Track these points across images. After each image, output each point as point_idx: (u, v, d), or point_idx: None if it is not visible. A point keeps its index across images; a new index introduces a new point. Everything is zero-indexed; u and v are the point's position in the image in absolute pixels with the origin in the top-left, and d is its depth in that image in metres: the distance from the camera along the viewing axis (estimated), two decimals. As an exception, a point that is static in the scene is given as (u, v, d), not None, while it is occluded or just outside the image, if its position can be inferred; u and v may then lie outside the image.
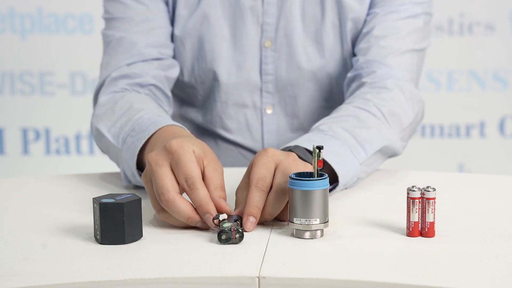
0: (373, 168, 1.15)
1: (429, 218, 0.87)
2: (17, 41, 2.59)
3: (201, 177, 0.91)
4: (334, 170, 1.03)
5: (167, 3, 1.33)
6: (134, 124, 1.10)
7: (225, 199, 0.92)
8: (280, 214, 0.93)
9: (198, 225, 0.90)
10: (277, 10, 1.32)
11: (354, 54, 1.33)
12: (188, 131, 1.09)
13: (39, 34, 2.59)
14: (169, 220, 0.92)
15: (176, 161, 0.90)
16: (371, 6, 1.31)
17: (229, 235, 0.85)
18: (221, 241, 0.85)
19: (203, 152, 0.93)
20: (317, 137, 1.08)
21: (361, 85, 1.24)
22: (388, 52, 1.26)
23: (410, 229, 0.88)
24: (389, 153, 1.18)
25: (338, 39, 1.33)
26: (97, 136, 1.20)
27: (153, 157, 0.92)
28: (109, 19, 1.32)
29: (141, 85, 1.26)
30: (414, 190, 0.87)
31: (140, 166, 1.08)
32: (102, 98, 1.23)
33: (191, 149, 0.92)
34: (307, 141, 1.05)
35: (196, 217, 0.89)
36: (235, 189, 0.96)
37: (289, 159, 0.94)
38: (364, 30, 1.30)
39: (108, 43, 1.30)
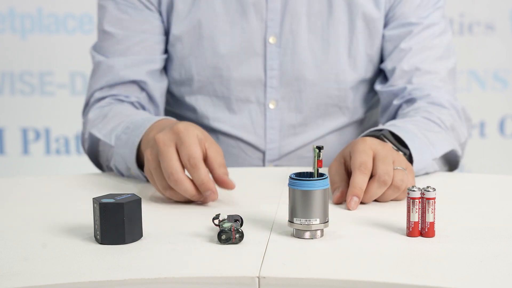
0: (438, 169, 1.21)
1: (429, 218, 0.87)
2: (17, 41, 2.59)
3: (202, 158, 1.00)
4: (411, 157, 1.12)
5: (160, 3, 1.33)
6: (127, 123, 1.17)
7: (227, 175, 1.03)
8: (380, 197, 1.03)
9: (200, 200, 1.01)
10: (281, 6, 1.32)
11: (368, 62, 1.36)
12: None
13: (39, 34, 2.59)
14: (174, 197, 1.02)
15: (181, 141, 1.00)
16: (394, 14, 1.34)
17: (229, 235, 0.85)
18: (221, 241, 0.86)
19: (204, 136, 1.03)
20: (399, 128, 1.15)
21: (417, 108, 1.30)
22: (433, 76, 1.33)
23: (410, 229, 0.88)
24: (453, 160, 1.26)
25: (346, 36, 1.33)
26: (91, 141, 1.25)
27: (161, 136, 1.01)
28: (98, 29, 1.36)
29: (124, 101, 1.31)
30: (414, 190, 0.87)
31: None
32: (90, 115, 1.29)
33: (195, 133, 1.01)
34: (391, 126, 1.14)
35: (198, 195, 1.00)
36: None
37: (386, 148, 1.04)
38: (402, 46, 1.33)
39: (92, 64, 1.37)
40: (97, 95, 1.32)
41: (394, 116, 1.35)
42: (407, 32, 1.33)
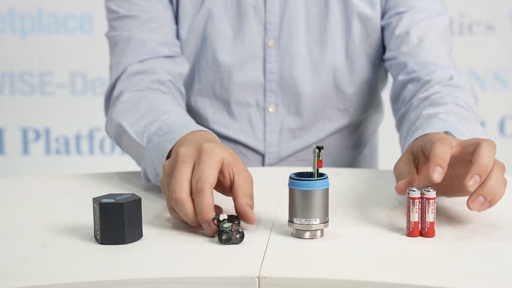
0: None
1: (429, 218, 0.87)
2: (17, 41, 2.59)
3: (213, 185, 0.88)
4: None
5: (171, 2, 1.33)
6: (161, 124, 1.08)
7: (252, 207, 0.90)
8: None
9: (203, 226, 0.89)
10: (280, 8, 1.32)
11: (365, 63, 1.33)
12: (218, 138, 1.07)
13: (39, 34, 2.59)
14: (178, 218, 0.91)
15: (199, 161, 0.89)
16: (389, 6, 1.32)
17: (230, 235, 0.85)
18: (221, 241, 0.85)
19: (234, 160, 0.92)
20: (459, 128, 1.06)
21: (426, 83, 1.24)
22: (435, 54, 1.28)
23: (410, 229, 0.88)
24: None
25: (344, 38, 1.33)
26: (118, 132, 1.17)
27: (182, 151, 0.91)
28: (113, 19, 1.31)
29: (161, 82, 1.24)
30: (414, 190, 0.87)
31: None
32: (125, 96, 1.20)
33: (220, 156, 0.90)
34: (443, 124, 1.05)
35: (198, 223, 0.89)
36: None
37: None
38: (397, 33, 1.30)
39: (115, 43, 1.29)
40: (130, 70, 1.25)
41: (400, 91, 1.29)
42: (399, 19, 1.31)
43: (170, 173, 0.92)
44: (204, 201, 0.86)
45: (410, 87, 1.26)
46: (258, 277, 0.76)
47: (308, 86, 1.34)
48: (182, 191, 0.88)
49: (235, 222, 0.89)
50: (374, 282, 0.75)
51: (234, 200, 0.90)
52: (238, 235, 0.86)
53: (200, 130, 1.05)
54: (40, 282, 0.75)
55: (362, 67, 1.35)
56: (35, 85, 2.62)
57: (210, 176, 0.88)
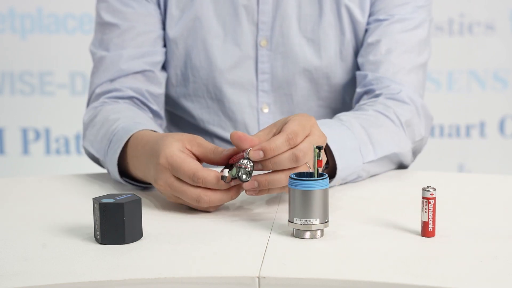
0: (378, 170, 1.17)
1: (424, 217, 0.87)
2: (17, 41, 2.59)
3: (199, 167, 0.94)
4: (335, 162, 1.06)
5: (158, 4, 1.33)
6: (111, 136, 1.14)
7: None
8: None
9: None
10: (272, 8, 1.32)
11: (357, 64, 1.34)
12: (160, 130, 1.14)
13: (39, 34, 2.59)
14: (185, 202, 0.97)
15: (174, 170, 0.95)
16: (372, 11, 1.32)
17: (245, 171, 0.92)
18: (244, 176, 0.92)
19: (182, 141, 0.98)
20: (334, 124, 1.11)
21: (377, 96, 1.26)
22: (397, 69, 1.28)
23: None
24: (398, 162, 1.21)
25: (337, 39, 1.33)
26: (90, 156, 1.23)
27: (160, 185, 0.98)
28: (98, 23, 1.35)
29: (120, 98, 1.29)
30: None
31: (121, 169, 1.12)
32: (85, 117, 1.28)
33: (176, 149, 0.96)
34: (322, 124, 1.07)
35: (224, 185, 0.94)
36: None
37: (323, 137, 0.97)
38: (369, 40, 1.31)
39: (93, 61, 1.35)
40: (98, 90, 1.30)
41: (357, 102, 1.30)
42: (376, 27, 1.31)
43: (169, 190, 0.97)
44: (207, 178, 0.93)
45: (365, 97, 1.29)
46: (258, 277, 0.76)
47: (300, 86, 1.34)
48: (198, 170, 0.94)
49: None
50: (374, 282, 0.75)
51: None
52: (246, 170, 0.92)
53: (140, 131, 1.10)
54: (40, 282, 0.75)
55: (354, 68, 1.35)
56: (35, 85, 2.61)
57: (191, 167, 0.94)
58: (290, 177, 0.87)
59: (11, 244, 0.87)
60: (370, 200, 1.06)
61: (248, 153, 0.92)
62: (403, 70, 1.29)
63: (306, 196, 0.86)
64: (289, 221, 0.88)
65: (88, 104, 1.33)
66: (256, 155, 0.92)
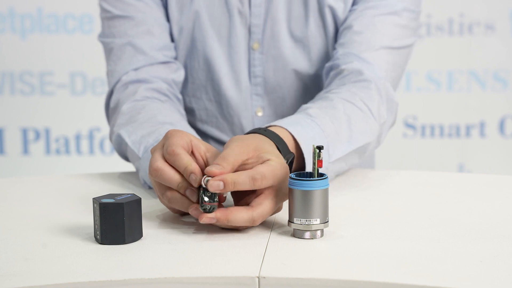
0: (346, 165, 1.14)
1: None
2: (17, 41, 2.59)
3: (182, 147, 0.91)
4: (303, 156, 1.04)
5: (162, 3, 1.33)
6: (159, 136, 1.09)
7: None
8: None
9: (187, 193, 0.90)
10: (264, 11, 1.31)
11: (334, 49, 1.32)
12: (192, 131, 1.10)
13: (39, 34, 2.59)
14: (176, 211, 0.95)
15: (166, 143, 0.92)
16: (353, 3, 1.31)
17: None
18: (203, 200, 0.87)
19: (204, 145, 0.94)
20: (304, 121, 1.07)
21: (340, 72, 1.23)
22: (364, 47, 1.25)
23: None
24: (364, 152, 1.16)
25: (324, 40, 1.32)
26: (119, 143, 1.19)
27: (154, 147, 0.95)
28: (106, 18, 1.31)
29: (158, 91, 1.26)
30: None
31: None
32: (124, 107, 1.22)
33: (186, 138, 0.93)
34: (294, 124, 1.05)
35: (185, 182, 0.89)
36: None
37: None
38: (344, 26, 1.29)
39: (110, 50, 1.30)
40: (125, 78, 1.26)
41: (326, 77, 1.27)
42: (350, 14, 1.29)
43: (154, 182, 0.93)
44: (183, 158, 0.89)
45: (332, 74, 1.26)
46: (258, 277, 0.76)
47: (293, 89, 1.34)
48: (157, 160, 0.90)
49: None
50: (374, 282, 0.75)
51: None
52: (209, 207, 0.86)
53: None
54: (40, 282, 0.75)
55: None
56: (35, 85, 2.62)
57: (176, 143, 0.90)
58: (290, 177, 0.87)
59: (11, 244, 0.87)
60: (370, 200, 1.06)
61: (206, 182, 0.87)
62: (369, 49, 1.25)
63: (306, 196, 0.86)
64: (289, 221, 0.88)
65: (113, 91, 1.28)
66: (216, 186, 0.86)
